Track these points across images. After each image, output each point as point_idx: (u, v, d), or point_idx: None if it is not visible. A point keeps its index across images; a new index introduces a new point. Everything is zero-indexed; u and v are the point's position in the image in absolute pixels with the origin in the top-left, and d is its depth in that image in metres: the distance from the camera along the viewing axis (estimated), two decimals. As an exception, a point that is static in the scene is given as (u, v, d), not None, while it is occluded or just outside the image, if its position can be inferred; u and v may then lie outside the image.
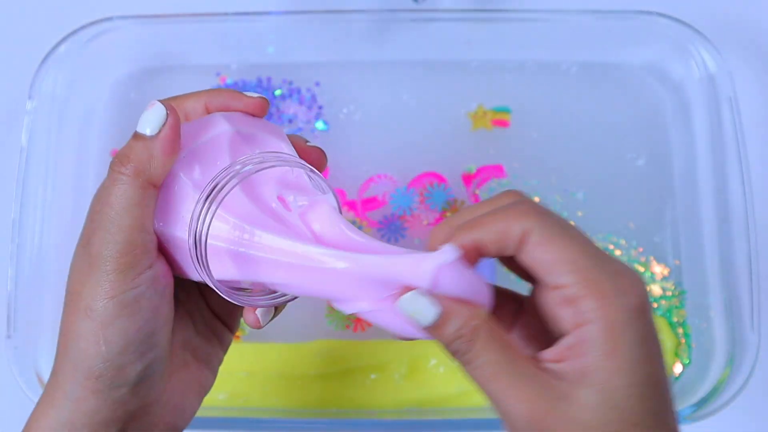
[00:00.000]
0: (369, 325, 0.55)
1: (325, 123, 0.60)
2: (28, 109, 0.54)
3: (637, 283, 0.28)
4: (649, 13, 0.57)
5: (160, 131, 0.31)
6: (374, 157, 0.59)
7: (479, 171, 0.58)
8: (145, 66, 0.61)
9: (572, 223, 0.30)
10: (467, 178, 0.58)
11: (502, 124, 0.59)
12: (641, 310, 0.28)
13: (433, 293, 0.29)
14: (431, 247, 0.31)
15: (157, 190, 0.32)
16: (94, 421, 0.32)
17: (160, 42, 0.59)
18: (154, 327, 0.32)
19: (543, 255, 0.29)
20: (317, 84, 0.61)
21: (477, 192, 0.58)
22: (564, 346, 0.28)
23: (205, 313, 0.37)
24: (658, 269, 0.56)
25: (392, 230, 0.57)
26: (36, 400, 0.49)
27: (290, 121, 0.60)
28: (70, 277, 0.33)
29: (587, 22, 0.58)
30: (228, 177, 0.31)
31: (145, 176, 0.31)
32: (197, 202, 0.31)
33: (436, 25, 0.58)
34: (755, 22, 0.63)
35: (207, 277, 0.31)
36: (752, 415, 0.55)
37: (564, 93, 0.60)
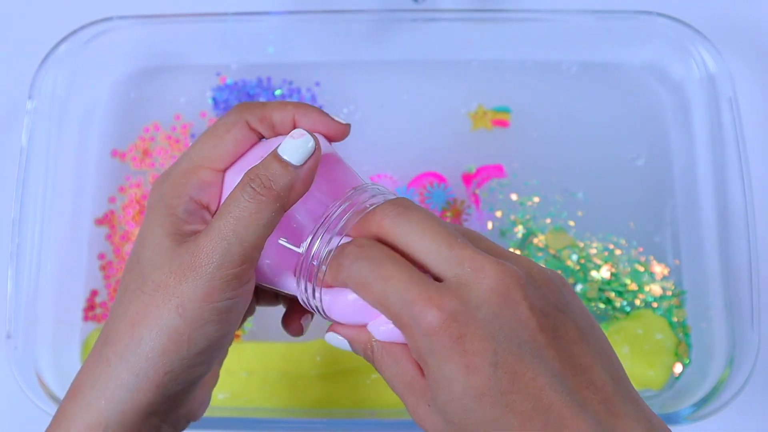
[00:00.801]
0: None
1: (325, 123, 0.60)
2: (28, 109, 0.54)
3: (432, 306, 0.29)
4: (649, 13, 0.57)
5: (305, 163, 0.32)
6: (374, 157, 0.59)
7: (479, 171, 0.58)
8: (145, 66, 0.61)
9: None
10: (467, 178, 0.58)
11: (502, 124, 0.59)
12: (442, 330, 0.28)
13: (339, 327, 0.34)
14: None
15: (283, 215, 0.33)
16: (144, 413, 0.32)
17: (160, 42, 0.59)
18: (231, 335, 0.34)
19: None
20: (317, 84, 0.61)
21: (477, 192, 0.58)
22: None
23: None
24: (658, 269, 0.56)
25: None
26: (36, 400, 0.49)
27: (290, 121, 0.60)
28: (153, 264, 0.33)
29: (587, 22, 0.58)
30: (357, 207, 0.33)
31: (282, 202, 0.32)
32: (326, 227, 0.33)
33: (436, 25, 0.58)
34: (755, 22, 0.63)
35: (311, 292, 0.33)
36: (752, 415, 0.55)
37: (564, 93, 0.60)
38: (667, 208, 0.58)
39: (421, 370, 0.31)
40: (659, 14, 0.57)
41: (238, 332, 0.55)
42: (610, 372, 0.29)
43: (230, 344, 0.35)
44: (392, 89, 0.60)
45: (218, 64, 0.61)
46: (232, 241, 0.31)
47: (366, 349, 0.33)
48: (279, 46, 0.60)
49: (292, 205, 0.33)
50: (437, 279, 0.30)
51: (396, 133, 0.59)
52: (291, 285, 0.34)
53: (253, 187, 0.32)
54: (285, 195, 0.32)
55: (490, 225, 0.57)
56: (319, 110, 0.36)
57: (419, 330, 0.29)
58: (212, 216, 0.34)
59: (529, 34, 0.59)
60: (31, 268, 0.53)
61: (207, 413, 0.51)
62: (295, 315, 0.38)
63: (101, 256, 0.57)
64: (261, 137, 0.36)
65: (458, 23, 0.58)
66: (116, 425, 0.32)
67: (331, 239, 0.32)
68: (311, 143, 0.33)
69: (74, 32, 0.56)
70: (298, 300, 0.35)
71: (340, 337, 0.33)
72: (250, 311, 0.40)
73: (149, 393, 0.32)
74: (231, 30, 0.59)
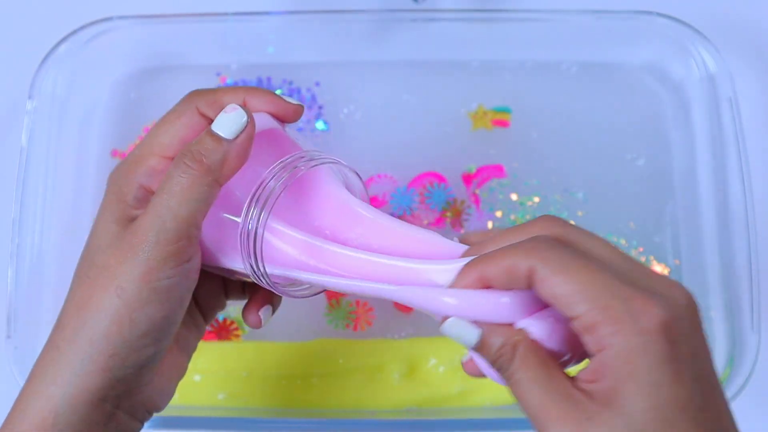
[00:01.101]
0: (369, 324, 0.55)
1: (325, 123, 0.60)
2: (28, 109, 0.54)
3: (660, 302, 0.28)
4: (649, 13, 0.57)
5: (237, 137, 0.33)
6: (374, 157, 0.59)
7: (479, 171, 0.58)
8: (145, 66, 0.61)
9: (599, 240, 0.31)
10: (467, 178, 0.58)
11: (502, 124, 0.59)
12: (663, 329, 0.27)
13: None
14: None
15: (219, 189, 0.33)
16: (95, 398, 0.32)
17: (160, 42, 0.59)
18: (176, 316, 0.33)
19: (551, 290, 0.29)
20: (317, 84, 0.61)
21: (477, 192, 0.58)
22: (591, 368, 0.29)
23: (191, 303, 0.38)
24: (658, 269, 0.56)
25: (392, 230, 0.57)
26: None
27: (290, 121, 0.60)
28: (99, 249, 0.33)
29: (587, 22, 0.58)
30: (286, 169, 0.33)
31: (214, 176, 0.32)
32: (259, 193, 0.33)
33: (436, 25, 0.58)
34: (755, 22, 0.63)
35: (256, 267, 0.33)
36: (752, 415, 0.55)
37: (564, 93, 0.60)
38: (667, 208, 0.58)
39: (570, 380, 0.29)
40: (659, 14, 0.57)
41: (239, 332, 0.55)
42: None
43: (177, 327, 0.34)
44: (392, 89, 0.60)
45: (218, 64, 0.61)
46: (167, 217, 0.32)
47: (505, 346, 0.30)
48: (279, 46, 0.60)
49: (227, 179, 0.33)
50: None
51: (396, 133, 0.59)
52: (239, 262, 0.34)
53: (185, 162, 0.32)
54: (218, 168, 0.32)
55: (490, 225, 0.57)
56: (271, 92, 0.36)
57: (635, 327, 0.27)
58: None
59: (529, 34, 0.59)
60: (31, 268, 0.53)
61: (207, 413, 0.51)
62: (254, 306, 0.38)
63: (101, 256, 0.57)
64: (208, 122, 0.36)
65: (458, 23, 0.58)
66: (67, 411, 0.32)
67: (265, 202, 0.32)
68: (244, 117, 0.33)
69: (74, 32, 0.56)
70: (261, 291, 0.35)
71: (472, 327, 0.31)
72: (219, 306, 0.40)
73: (97, 377, 0.32)
74: (231, 30, 0.59)
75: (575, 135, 0.59)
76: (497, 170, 0.58)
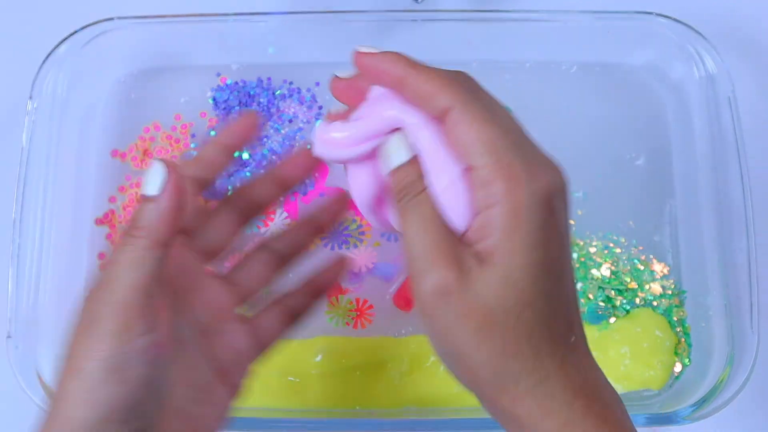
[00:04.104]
0: (369, 321, 0.55)
1: (325, 123, 0.60)
2: (29, 110, 0.55)
3: (551, 173, 0.30)
4: (649, 13, 0.57)
5: (164, 191, 0.32)
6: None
7: (479, 171, 0.58)
8: (145, 66, 0.61)
9: (508, 110, 0.32)
10: (467, 178, 0.58)
11: (502, 124, 0.59)
12: (548, 197, 0.29)
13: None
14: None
15: (165, 250, 0.32)
16: None
17: (160, 42, 0.59)
18: (142, 397, 0.31)
19: (462, 135, 0.30)
20: (317, 84, 0.61)
21: (477, 192, 0.58)
22: (478, 225, 0.30)
23: (193, 376, 0.36)
24: (658, 268, 0.56)
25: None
26: (36, 400, 0.49)
27: (290, 121, 0.60)
28: (68, 337, 0.32)
29: (587, 22, 0.58)
30: None
31: (153, 237, 0.31)
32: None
33: (436, 25, 0.58)
34: (755, 23, 0.63)
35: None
36: (752, 415, 0.55)
37: (564, 93, 0.60)
38: (667, 208, 0.58)
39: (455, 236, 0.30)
40: (659, 15, 0.57)
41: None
42: None
43: (160, 409, 0.32)
44: (392, 89, 0.60)
45: (218, 65, 0.61)
46: (112, 288, 0.31)
47: (417, 182, 0.31)
48: (279, 47, 0.60)
49: (167, 236, 0.32)
50: None
51: (396, 133, 0.59)
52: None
53: (126, 232, 0.32)
54: (153, 228, 0.31)
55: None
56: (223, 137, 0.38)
57: (528, 188, 0.29)
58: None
59: (529, 34, 0.59)
60: (31, 268, 0.53)
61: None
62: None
63: (101, 256, 0.57)
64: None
65: (458, 23, 0.58)
66: None
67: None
68: (162, 170, 0.32)
69: (75, 33, 0.56)
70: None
71: (408, 149, 0.32)
72: (241, 373, 0.38)
73: None
74: (231, 30, 0.59)
75: (575, 135, 0.59)
76: (497, 170, 0.58)
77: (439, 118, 0.31)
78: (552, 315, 0.30)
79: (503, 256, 0.29)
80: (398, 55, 0.33)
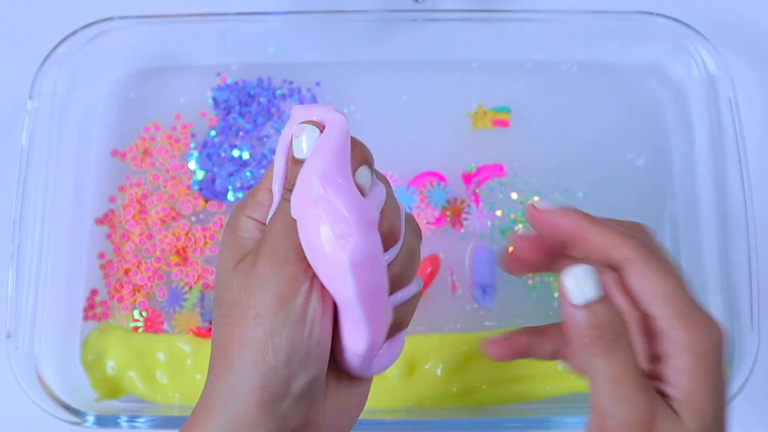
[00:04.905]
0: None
1: (325, 123, 0.60)
2: (29, 109, 0.54)
3: (715, 324, 0.33)
4: (649, 13, 0.57)
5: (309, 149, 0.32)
6: (374, 157, 0.58)
7: (479, 170, 0.58)
8: (145, 66, 0.61)
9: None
10: (467, 177, 0.58)
11: (502, 124, 0.59)
12: (718, 347, 0.32)
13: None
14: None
15: None
16: None
17: (160, 42, 0.59)
18: (319, 337, 0.31)
19: (643, 286, 0.33)
20: (317, 84, 0.61)
21: (477, 191, 0.58)
22: (668, 372, 0.33)
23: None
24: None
25: (392, 230, 0.57)
26: (36, 400, 0.49)
27: (290, 121, 0.60)
28: (223, 286, 0.32)
29: (587, 22, 0.58)
30: None
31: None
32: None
33: (436, 25, 0.58)
34: (755, 22, 0.63)
35: None
36: (752, 415, 0.55)
37: (564, 93, 0.60)
38: (667, 208, 0.58)
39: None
40: (659, 14, 0.57)
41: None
42: None
43: (328, 353, 0.33)
44: (392, 89, 0.60)
45: (218, 64, 0.61)
46: (281, 240, 0.31)
47: (616, 321, 0.32)
48: (279, 46, 0.60)
49: None
50: None
51: (396, 133, 0.59)
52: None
53: (283, 197, 0.33)
54: None
55: (490, 224, 0.57)
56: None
57: (707, 336, 0.32)
58: None
59: (529, 34, 0.59)
60: (31, 268, 0.53)
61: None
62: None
63: (101, 256, 0.57)
64: None
65: (458, 23, 0.58)
66: None
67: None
68: (315, 132, 0.32)
69: (74, 32, 0.56)
70: None
71: (598, 284, 0.32)
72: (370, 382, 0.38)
73: (253, 414, 0.30)
74: (231, 30, 0.59)
75: (575, 135, 0.59)
76: (497, 169, 0.58)
77: (614, 268, 0.34)
78: None
79: (698, 402, 0.32)
80: (576, 212, 0.35)
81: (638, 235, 0.35)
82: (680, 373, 0.32)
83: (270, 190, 0.34)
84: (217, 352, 0.32)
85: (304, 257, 0.31)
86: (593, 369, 0.32)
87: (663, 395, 0.33)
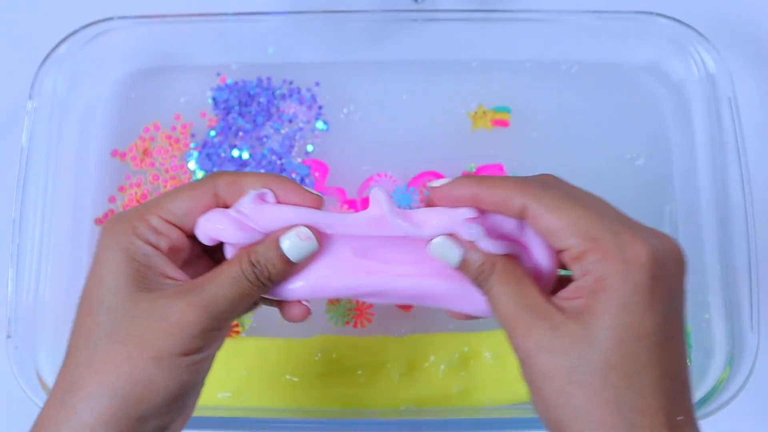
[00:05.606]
0: (369, 321, 0.55)
1: (325, 123, 0.60)
2: (29, 109, 0.55)
3: (642, 241, 0.30)
4: (649, 13, 0.57)
5: (299, 261, 0.35)
6: (374, 157, 0.59)
7: (479, 170, 0.58)
8: (145, 66, 0.61)
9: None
10: (467, 178, 0.58)
11: (502, 124, 0.59)
12: (645, 265, 0.30)
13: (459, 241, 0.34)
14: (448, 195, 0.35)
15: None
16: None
17: (160, 42, 0.59)
18: (203, 380, 0.35)
19: (545, 226, 0.32)
20: (317, 84, 0.61)
21: (477, 192, 0.58)
22: (570, 288, 0.31)
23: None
24: (658, 269, 0.56)
25: (392, 230, 0.57)
26: (36, 400, 0.49)
27: (290, 121, 0.60)
28: (124, 314, 0.33)
29: (587, 22, 0.58)
30: None
31: (269, 285, 0.35)
32: None
33: (436, 25, 0.58)
34: (755, 22, 0.63)
35: None
36: (752, 415, 0.55)
37: (564, 93, 0.60)
38: (667, 208, 0.58)
39: (544, 295, 0.32)
40: (659, 14, 0.57)
41: (238, 328, 0.55)
42: None
43: (202, 385, 0.35)
44: (392, 89, 0.60)
45: (218, 64, 0.61)
46: (214, 309, 0.33)
47: (485, 263, 0.33)
48: (279, 46, 0.60)
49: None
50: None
51: (396, 133, 0.59)
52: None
53: (252, 265, 0.34)
54: (274, 281, 0.35)
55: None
56: (294, 183, 0.36)
57: (619, 256, 0.30)
58: (168, 266, 0.35)
59: (529, 34, 0.59)
60: (31, 268, 0.53)
61: (206, 413, 0.51)
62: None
63: (101, 256, 0.57)
64: (223, 206, 0.36)
65: (458, 23, 0.58)
66: None
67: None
68: (315, 246, 0.35)
69: (74, 32, 0.56)
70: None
71: (456, 246, 0.34)
72: (252, 307, 0.39)
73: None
74: (231, 30, 0.59)
75: (575, 135, 0.59)
76: (497, 169, 0.59)
77: (522, 218, 0.33)
78: (648, 385, 0.29)
79: (591, 316, 0.30)
80: (466, 178, 0.35)
81: (535, 179, 0.34)
82: (581, 290, 0.31)
83: (164, 220, 0.35)
84: (87, 374, 0.33)
85: (226, 328, 0.35)
86: (494, 294, 0.33)
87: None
